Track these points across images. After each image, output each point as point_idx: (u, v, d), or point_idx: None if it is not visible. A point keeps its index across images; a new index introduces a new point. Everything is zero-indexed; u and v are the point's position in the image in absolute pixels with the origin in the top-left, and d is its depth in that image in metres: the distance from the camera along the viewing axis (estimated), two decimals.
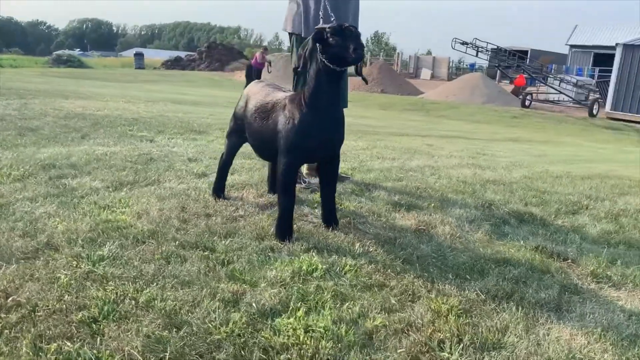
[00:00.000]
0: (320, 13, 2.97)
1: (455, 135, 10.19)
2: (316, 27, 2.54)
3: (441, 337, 1.81)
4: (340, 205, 3.21)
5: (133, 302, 1.91)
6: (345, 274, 2.27)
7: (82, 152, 4.10)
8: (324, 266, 2.30)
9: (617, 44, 21.08)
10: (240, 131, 3.01)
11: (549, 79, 24.76)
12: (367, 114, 14.94)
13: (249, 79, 21.04)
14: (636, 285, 2.44)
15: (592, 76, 30.84)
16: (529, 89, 24.17)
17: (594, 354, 1.81)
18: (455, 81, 27.61)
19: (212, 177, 3.65)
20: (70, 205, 2.85)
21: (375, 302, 2.03)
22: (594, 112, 21.50)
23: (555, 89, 23.36)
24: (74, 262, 2.18)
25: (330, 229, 2.78)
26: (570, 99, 23.35)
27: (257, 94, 2.90)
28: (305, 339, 1.74)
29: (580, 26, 40.37)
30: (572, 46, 39.38)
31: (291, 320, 1.86)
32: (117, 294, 1.96)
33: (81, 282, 2.03)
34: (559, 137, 14.41)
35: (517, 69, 25.99)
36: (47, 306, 1.83)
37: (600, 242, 3.04)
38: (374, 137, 7.35)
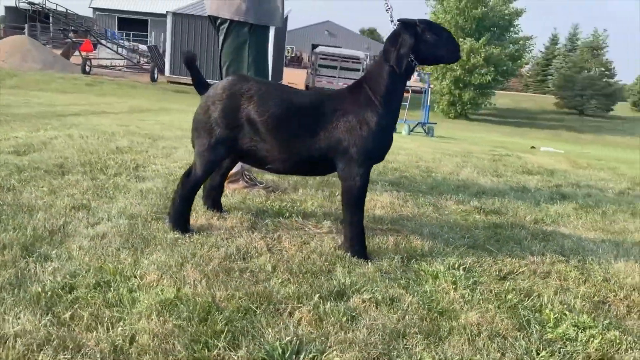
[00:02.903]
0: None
1: (76, 111, 7.87)
2: (400, 19, 2.20)
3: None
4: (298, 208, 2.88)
5: None
6: (475, 272, 2.23)
7: None
8: (458, 272, 2.19)
9: (167, 12, 22.40)
10: (233, 141, 2.29)
11: (107, 43, 24.38)
12: None
13: None
14: (571, 222, 3.26)
15: (127, 40, 31.69)
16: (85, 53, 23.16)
17: None
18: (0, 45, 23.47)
19: (112, 210, 2.61)
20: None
21: (550, 287, 2.14)
22: (155, 77, 22.58)
23: (120, 55, 23.42)
24: None
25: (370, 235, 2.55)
26: (129, 64, 23.76)
27: (267, 94, 2.25)
28: (617, 340, 1.77)
29: None
30: (95, 9, 39.12)
31: (562, 327, 1.82)
32: None
33: None
34: (160, 102, 14.64)
35: (85, 34, 24.52)
36: None
37: (483, 196, 3.75)
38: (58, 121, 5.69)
